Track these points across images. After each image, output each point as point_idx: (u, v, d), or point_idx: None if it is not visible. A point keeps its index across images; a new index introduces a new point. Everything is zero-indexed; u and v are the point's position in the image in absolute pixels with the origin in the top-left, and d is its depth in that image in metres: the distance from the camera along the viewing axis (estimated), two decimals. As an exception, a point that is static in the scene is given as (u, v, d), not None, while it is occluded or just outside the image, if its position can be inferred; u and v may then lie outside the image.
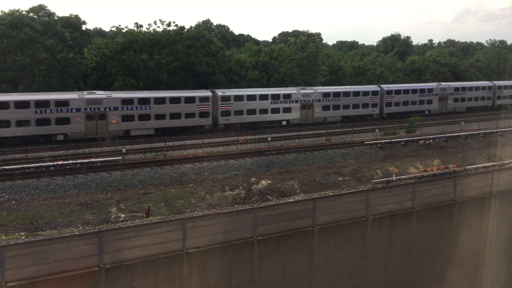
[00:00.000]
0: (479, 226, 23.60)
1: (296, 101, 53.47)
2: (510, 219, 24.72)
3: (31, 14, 52.32)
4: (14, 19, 49.54)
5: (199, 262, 16.91)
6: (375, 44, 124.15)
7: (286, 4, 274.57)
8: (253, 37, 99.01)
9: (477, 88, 70.18)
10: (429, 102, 64.42)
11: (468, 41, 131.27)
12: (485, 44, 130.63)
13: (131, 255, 15.79)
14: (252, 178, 32.61)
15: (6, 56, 50.25)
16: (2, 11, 51.43)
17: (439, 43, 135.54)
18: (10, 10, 51.12)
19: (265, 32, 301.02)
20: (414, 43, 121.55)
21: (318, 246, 19.24)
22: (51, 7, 52.85)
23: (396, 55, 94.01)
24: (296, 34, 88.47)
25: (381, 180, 33.56)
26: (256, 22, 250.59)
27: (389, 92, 60.81)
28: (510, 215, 24.75)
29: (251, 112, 50.61)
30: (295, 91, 53.94)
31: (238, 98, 50.01)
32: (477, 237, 23.51)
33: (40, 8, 53.12)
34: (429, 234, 22.22)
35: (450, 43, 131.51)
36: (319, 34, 79.94)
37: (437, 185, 23.46)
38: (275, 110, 52.04)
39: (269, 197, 30.51)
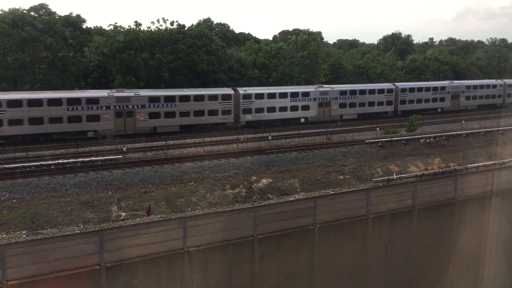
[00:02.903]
0: (479, 225, 23.59)
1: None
2: (510, 218, 24.70)
3: (32, 13, 52.29)
4: (15, 18, 49.53)
5: (200, 261, 16.92)
6: (375, 42, 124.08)
7: (287, 2, 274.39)
8: (253, 35, 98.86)
9: (380, 91, 60.86)
10: None
11: (469, 40, 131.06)
12: (486, 43, 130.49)
13: (132, 253, 15.81)
14: (252, 177, 32.62)
15: (7, 54, 50.26)
16: (2, 10, 51.45)
17: (440, 41, 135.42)
18: (10, 9, 51.17)
19: (266, 31, 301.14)
20: (415, 42, 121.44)
21: (318, 245, 19.24)
22: (52, 6, 53.05)
23: (395, 53, 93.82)
24: (297, 32, 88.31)
25: (381, 178, 33.56)
26: (257, 20, 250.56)
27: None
28: (510, 213, 24.73)
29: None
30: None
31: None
32: (477, 235, 23.50)
33: (41, 7, 53.10)
34: (429, 232, 22.21)
35: (451, 41, 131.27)
36: (320, 33, 79.81)
37: (437, 184, 23.46)
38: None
39: (269, 195, 30.53)
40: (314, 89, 55.07)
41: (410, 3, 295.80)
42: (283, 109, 52.59)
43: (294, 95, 53.27)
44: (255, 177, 32.57)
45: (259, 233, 18.05)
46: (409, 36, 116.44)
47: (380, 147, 41.17)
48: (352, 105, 57.50)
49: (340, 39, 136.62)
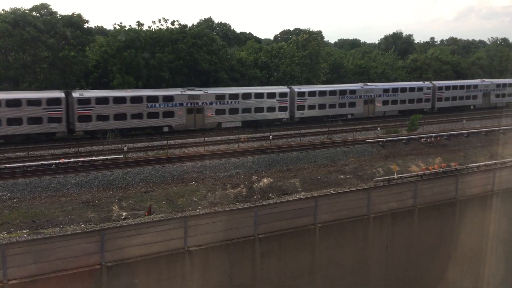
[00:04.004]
0: (480, 224, 23.57)
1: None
2: (511, 217, 24.69)
3: (34, 13, 52.36)
4: (17, 18, 49.58)
5: (201, 260, 16.94)
6: (376, 42, 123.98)
7: (287, 2, 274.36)
8: (254, 35, 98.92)
9: (271, 95, 52.12)
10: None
11: (470, 39, 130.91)
12: (487, 42, 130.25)
13: (132, 253, 15.83)
14: (253, 176, 32.63)
15: (8, 54, 50.29)
16: (3, 10, 51.48)
17: (442, 41, 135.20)
18: (11, 9, 51.19)
19: (266, 30, 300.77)
20: (416, 41, 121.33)
21: (319, 244, 19.25)
22: (54, 6, 53.46)
23: (395, 52, 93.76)
24: (297, 32, 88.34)
25: (382, 178, 33.56)
26: (258, 20, 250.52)
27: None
28: (511, 213, 24.72)
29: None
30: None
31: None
32: (478, 235, 23.50)
33: (43, 7, 53.14)
34: (430, 232, 22.21)
35: (452, 41, 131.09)
36: (320, 32, 79.82)
37: (438, 183, 23.45)
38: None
39: (270, 195, 30.53)
40: (180, 93, 46.93)
41: (411, 3, 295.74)
42: (138, 116, 44.72)
43: (152, 99, 45.40)
44: (256, 177, 32.58)
45: (260, 232, 18.07)
46: (410, 35, 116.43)
47: (381, 147, 41.15)
48: (234, 111, 49.48)
49: (341, 39, 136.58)
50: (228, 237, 17.49)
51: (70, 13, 54.38)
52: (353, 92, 58.22)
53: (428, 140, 43.55)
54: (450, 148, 42.93)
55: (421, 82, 67.22)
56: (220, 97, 48.96)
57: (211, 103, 48.31)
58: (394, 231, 21.11)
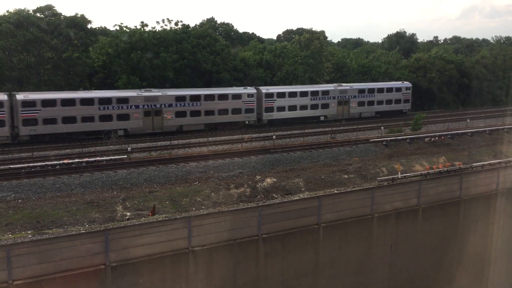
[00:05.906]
0: (485, 224, 23.51)
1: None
2: (516, 217, 24.61)
3: (38, 14, 52.59)
4: (20, 19, 49.81)
5: (205, 260, 16.96)
6: (380, 41, 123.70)
7: (290, 2, 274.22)
8: (257, 35, 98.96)
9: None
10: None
11: (474, 38, 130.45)
12: (491, 41, 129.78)
13: (137, 253, 15.87)
14: (257, 176, 32.62)
15: (12, 55, 50.50)
16: (7, 11, 51.77)
17: (445, 40, 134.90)
18: (15, 10, 51.45)
19: (269, 30, 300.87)
20: (419, 40, 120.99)
21: (323, 244, 19.24)
22: (58, 7, 53.62)
23: (399, 51, 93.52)
24: (300, 32, 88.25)
25: (386, 177, 33.49)
26: (261, 20, 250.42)
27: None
28: (516, 212, 24.64)
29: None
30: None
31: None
32: (483, 234, 23.43)
33: (47, 8, 53.37)
34: (434, 231, 22.17)
35: (456, 40, 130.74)
36: (323, 32, 79.74)
37: (442, 183, 23.41)
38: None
39: (274, 195, 30.51)
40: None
41: (414, 2, 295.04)
42: None
43: None
44: (260, 177, 32.58)
45: (264, 232, 18.08)
46: (413, 34, 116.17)
47: (384, 146, 41.08)
48: None
49: (344, 38, 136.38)
50: (232, 237, 17.50)
51: (73, 14, 54.70)
52: (125, 100, 44.10)
53: (432, 139, 43.44)
54: (454, 147, 42.79)
55: (241, 88, 52.56)
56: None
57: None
58: (398, 230, 21.08)
